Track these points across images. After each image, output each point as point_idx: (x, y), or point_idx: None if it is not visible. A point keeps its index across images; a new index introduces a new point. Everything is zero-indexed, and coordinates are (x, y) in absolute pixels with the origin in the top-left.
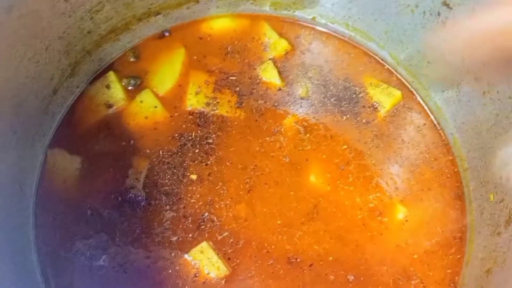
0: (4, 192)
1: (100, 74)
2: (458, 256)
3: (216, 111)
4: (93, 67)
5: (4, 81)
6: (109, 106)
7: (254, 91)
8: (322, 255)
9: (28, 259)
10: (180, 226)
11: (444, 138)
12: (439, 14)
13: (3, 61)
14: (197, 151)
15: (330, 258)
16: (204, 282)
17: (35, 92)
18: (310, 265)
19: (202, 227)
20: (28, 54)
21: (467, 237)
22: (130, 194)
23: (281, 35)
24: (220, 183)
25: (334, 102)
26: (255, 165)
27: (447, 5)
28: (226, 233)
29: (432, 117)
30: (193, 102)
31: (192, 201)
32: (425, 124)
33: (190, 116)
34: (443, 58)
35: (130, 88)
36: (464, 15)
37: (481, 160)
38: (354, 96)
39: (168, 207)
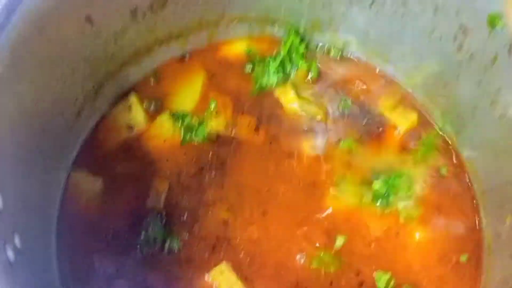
0: (29, 212)
1: (122, 96)
2: (474, 276)
3: (234, 134)
4: (116, 90)
5: (32, 101)
6: (131, 128)
7: (272, 114)
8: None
9: (50, 279)
10: (197, 247)
11: (460, 160)
12: (455, 38)
13: (32, 81)
14: (213, 173)
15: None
16: None
17: (61, 113)
18: None
19: (217, 247)
20: (55, 76)
21: (483, 260)
22: (150, 216)
23: (299, 58)
24: (235, 206)
25: (351, 125)
26: (269, 188)
27: (464, 30)
28: (242, 254)
29: (447, 139)
30: (213, 124)
31: (209, 222)
32: (440, 147)
33: (209, 139)
34: (458, 81)
35: (151, 110)
36: (479, 39)
37: (497, 183)
38: (370, 118)
39: (186, 228)
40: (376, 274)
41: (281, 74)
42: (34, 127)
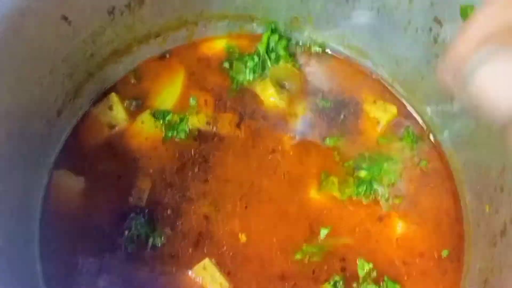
0: (10, 213)
1: (103, 95)
2: (456, 267)
3: (216, 130)
4: (96, 89)
5: (10, 103)
6: (112, 126)
7: (253, 110)
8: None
9: (34, 277)
10: (180, 243)
11: (440, 151)
12: (430, 30)
13: (9, 82)
14: (196, 169)
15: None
16: None
17: (40, 114)
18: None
19: (201, 242)
20: (34, 77)
21: (464, 249)
22: (133, 213)
23: (278, 54)
24: (218, 201)
25: (332, 119)
26: (252, 182)
27: (439, 21)
28: (224, 248)
29: (427, 131)
30: (194, 121)
31: (192, 218)
32: (421, 138)
33: (191, 136)
34: (436, 73)
35: (132, 109)
36: (453, 30)
37: (476, 173)
38: (351, 113)
39: (169, 224)
40: (358, 261)
41: (260, 71)
42: (13, 129)
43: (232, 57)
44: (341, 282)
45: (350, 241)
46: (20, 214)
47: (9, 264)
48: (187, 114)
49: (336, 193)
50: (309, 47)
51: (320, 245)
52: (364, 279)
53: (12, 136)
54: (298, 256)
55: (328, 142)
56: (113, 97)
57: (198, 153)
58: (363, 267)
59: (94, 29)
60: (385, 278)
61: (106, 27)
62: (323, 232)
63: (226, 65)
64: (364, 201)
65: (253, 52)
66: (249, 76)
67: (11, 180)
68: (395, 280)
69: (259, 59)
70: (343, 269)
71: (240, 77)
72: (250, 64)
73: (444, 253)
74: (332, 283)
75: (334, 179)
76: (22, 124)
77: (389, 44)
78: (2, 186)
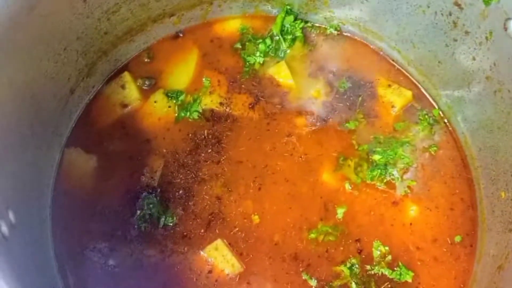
0: (23, 189)
1: (116, 74)
2: (469, 253)
3: (229, 111)
4: (109, 68)
5: (24, 81)
6: (124, 106)
7: (267, 91)
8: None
9: (46, 256)
10: (192, 223)
11: (455, 137)
12: (450, 14)
13: (24, 60)
14: (209, 150)
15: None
16: (216, 280)
17: (53, 92)
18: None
19: (213, 223)
20: (48, 54)
21: (478, 234)
22: (145, 192)
23: (293, 36)
24: (231, 182)
25: (346, 102)
26: (266, 164)
27: (459, 5)
28: (237, 229)
29: (443, 116)
30: (207, 101)
31: (204, 198)
32: (436, 124)
33: (204, 116)
34: (454, 58)
35: (145, 88)
36: (474, 14)
37: (492, 158)
38: (365, 96)
39: (181, 204)
40: (375, 242)
41: (273, 53)
42: (26, 107)
43: (245, 38)
44: (357, 265)
45: (365, 223)
46: (33, 192)
47: (23, 244)
48: (200, 94)
49: (352, 176)
50: (325, 29)
51: (335, 225)
52: (379, 262)
53: (25, 113)
54: (312, 235)
55: (348, 125)
56: (126, 76)
57: (211, 134)
58: (379, 248)
59: (109, 7)
60: (400, 264)
61: (121, 5)
62: (340, 211)
63: (238, 46)
64: (379, 185)
65: (266, 35)
66: (260, 59)
67: (24, 158)
68: (408, 266)
69: (272, 41)
70: (359, 251)
71: (251, 60)
72: (261, 47)
73: (457, 238)
74: (348, 265)
75: (350, 162)
76: (35, 101)
77: (406, 27)
78: (14, 162)
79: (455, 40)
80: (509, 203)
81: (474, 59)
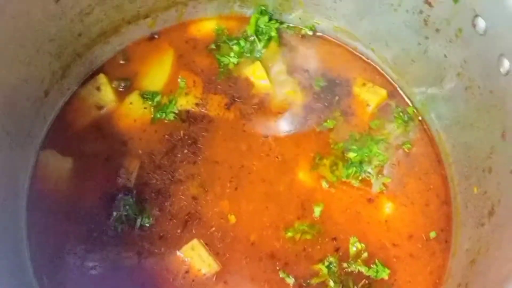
0: None
1: (91, 76)
2: (444, 249)
3: (205, 112)
4: (84, 70)
5: None
6: (100, 107)
7: (243, 92)
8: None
9: (21, 259)
10: (169, 223)
11: (429, 134)
12: (421, 12)
13: None
14: (185, 151)
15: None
16: (193, 280)
17: (27, 94)
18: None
19: (189, 223)
20: (20, 56)
21: (453, 230)
22: (122, 194)
23: (269, 36)
24: (207, 182)
25: (322, 101)
26: (242, 165)
27: (429, 3)
28: (213, 229)
29: (417, 113)
30: (183, 102)
31: (180, 199)
32: (410, 121)
33: (180, 117)
34: (426, 56)
35: (120, 89)
36: (444, 12)
37: (465, 155)
38: (342, 94)
39: (157, 205)
40: (351, 239)
41: (248, 54)
42: None
43: (219, 39)
44: (334, 264)
45: (342, 221)
46: (7, 195)
47: None
48: (176, 95)
49: (328, 175)
50: (300, 29)
51: (312, 223)
52: (355, 260)
53: None
54: (289, 234)
55: (326, 124)
56: (102, 78)
57: (187, 134)
58: (355, 245)
59: (82, 8)
60: (376, 261)
61: (95, 7)
62: (317, 210)
63: (213, 46)
64: (354, 183)
65: (241, 36)
66: (234, 60)
67: None
68: (385, 263)
69: (246, 42)
70: (336, 249)
71: (226, 60)
72: (235, 48)
73: (432, 234)
74: (326, 264)
75: (326, 161)
76: (8, 103)
77: (380, 26)
78: None
79: (427, 38)
80: (481, 198)
81: (445, 56)
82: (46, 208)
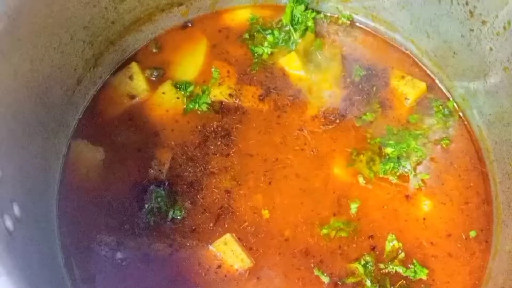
0: (29, 181)
1: (123, 65)
2: (484, 249)
3: (239, 103)
4: (116, 58)
5: (30, 70)
6: (132, 97)
7: (278, 83)
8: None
9: (53, 250)
10: (201, 216)
11: (469, 130)
12: (467, 3)
13: (29, 49)
14: (218, 143)
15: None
16: (225, 275)
17: (59, 82)
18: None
19: (222, 217)
20: (54, 44)
21: (493, 230)
22: (153, 186)
23: (305, 26)
24: (240, 175)
25: (359, 93)
26: (277, 158)
27: None
28: (246, 224)
29: (457, 109)
30: (216, 93)
31: (213, 192)
32: (450, 116)
33: (213, 108)
34: (469, 48)
35: (152, 79)
36: (492, 3)
37: (508, 152)
38: (378, 87)
39: (189, 198)
40: (389, 236)
41: (283, 44)
42: (32, 97)
43: (253, 29)
44: (371, 263)
45: (378, 219)
46: (39, 185)
47: (28, 238)
48: (209, 85)
49: (364, 171)
50: (337, 19)
51: (348, 220)
52: (392, 260)
53: (31, 105)
54: (324, 231)
55: (365, 117)
56: (134, 67)
57: (220, 126)
58: (392, 242)
59: None
60: (414, 261)
61: None
62: (353, 206)
63: (246, 36)
64: (392, 179)
65: (275, 26)
66: (268, 50)
67: (29, 149)
68: (423, 264)
69: (280, 32)
70: (373, 248)
71: (259, 50)
72: (270, 38)
73: (472, 233)
74: (363, 263)
75: (362, 157)
76: (40, 94)
77: (421, 17)
78: (19, 154)
79: (471, 30)
80: None
81: (491, 49)
82: (77, 199)
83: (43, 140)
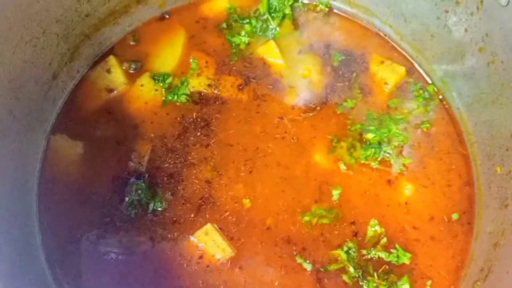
0: (7, 178)
1: (101, 58)
2: (467, 231)
3: (218, 93)
4: (93, 52)
5: (1, 65)
6: (110, 90)
7: (257, 72)
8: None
9: (33, 245)
10: (182, 208)
11: (450, 113)
12: None
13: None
14: (198, 134)
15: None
16: (208, 265)
17: (34, 77)
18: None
19: (203, 207)
20: (25, 38)
21: (475, 212)
22: (134, 178)
23: (282, 14)
24: (220, 165)
25: (338, 80)
26: (257, 147)
27: None
28: (227, 213)
29: (437, 92)
30: (195, 84)
31: (193, 183)
32: (430, 100)
33: (192, 99)
34: (446, 30)
35: (131, 71)
36: None
37: (487, 133)
38: (358, 73)
39: (170, 189)
40: (371, 221)
41: (261, 33)
42: (5, 92)
43: (231, 18)
44: (354, 249)
45: (360, 205)
46: (18, 181)
47: (8, 235)
48: (187, 76)
49: (345, 157)
50: (315, 6)
51: (330, 207)
52: (375, 245)
53: (4, 98)
54: (306, 218)
55: (346, 104)
56: (112, 60)
57: (199, 116)
58: (375, 227)
59: None
60: (397, 246)
61: None
62: (335, 193)
63: (224, 26)
64: (373, 165)
65: (253, 15)
66: (245, 39)
67: (5, 145)
68: (405, 248)
69: (257, 21)
70: (355, 234)
71: (237, 40)
72: (247, 27)
73: (454, 216)
74: (345, 249)
75: (343, 144)
76: (15, 86)
77: (397, 1)
78: None
79: (446, 12)
80: (505, 178)
81: (466, 30)
82: (57, 194)
83: (19, 135)
